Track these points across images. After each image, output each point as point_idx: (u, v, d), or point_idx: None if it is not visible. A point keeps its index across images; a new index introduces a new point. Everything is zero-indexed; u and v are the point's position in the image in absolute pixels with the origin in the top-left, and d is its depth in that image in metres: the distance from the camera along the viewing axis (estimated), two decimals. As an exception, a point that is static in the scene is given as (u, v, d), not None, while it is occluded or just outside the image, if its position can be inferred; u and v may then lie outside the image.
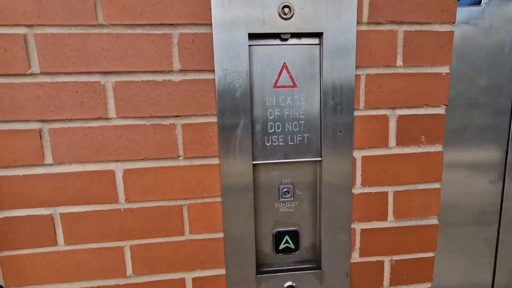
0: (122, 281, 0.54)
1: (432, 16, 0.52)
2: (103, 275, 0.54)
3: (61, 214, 0.51)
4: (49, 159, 0.49)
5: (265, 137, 0.54)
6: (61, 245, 0.52)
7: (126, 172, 0.51)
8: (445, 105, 0.55)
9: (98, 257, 0.53)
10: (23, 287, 0.52)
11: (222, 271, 0.56)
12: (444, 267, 1.13)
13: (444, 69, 0.54)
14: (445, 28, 0.53)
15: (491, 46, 1.00)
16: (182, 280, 0.56)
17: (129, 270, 0.54)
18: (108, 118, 0.49)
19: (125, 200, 0.52)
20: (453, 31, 0.53)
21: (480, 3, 0.97)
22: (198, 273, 0.56)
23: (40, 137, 0.48)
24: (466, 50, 0.99)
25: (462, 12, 0.97)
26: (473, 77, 1.01)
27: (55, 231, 0.51)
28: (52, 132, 0.48)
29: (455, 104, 1.02)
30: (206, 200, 0.54)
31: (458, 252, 1.12)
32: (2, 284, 0.51)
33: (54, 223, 0.51)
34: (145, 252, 0.54)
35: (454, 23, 0.53)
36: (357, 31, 0.51)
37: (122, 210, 0.52)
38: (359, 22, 0.51)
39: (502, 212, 1.11)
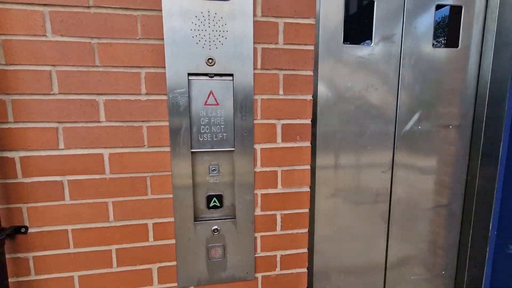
0: (107, 224, 0.86)
1: (299, 66, 0.89)
2: (94, 220, 0.85)
3: (68, 181, 0.82)
4: (61, 145, 0.80)
5: (199, 135, 0.87)
6: (67, 200, 0.82)
7: (111, 155, 0.83)
8: (309, 118, 0.92)
9: (91, 208, 0.84)
10: (41, 227, 0.82)
11: (171, 219, 0.89)
12: (355, 230, 1.51)
13: (308, 97, 0.91)
14: (307, 73, 0.90)
15: (380, 73, 1.40)
16: (145, 225, 0.88)
17: (111, 217, 0.86)
18: (100, 121, 0.81)
19: (109, 172, 0.84)
20: (312, 75, 0.90)
21: (371, 44, 1.37)
22: (156, 220, 0.88)
23: (57, 132, 0.79)
24: (362, 75, 1.38)
25: (359, 49, 1.36)
26: (367, 95, 1.40)
27: (63, 191, 0.82)
28: (65, 129, 0.79)
29: (356, 115, 1.41)
30: (162, 173, 0.87)
31: (364, 221, 1.51)
32: (28, 224, 0.81)
33: (63, 186, 0.82)
34: (122, 206, 0.86)
35: (312, 70, 0.89)
36: (254, 73, 0.86)
37: (107, 179, 0.84)
38: (255, 68, 0.86)
39: (392, 194, 1.52)
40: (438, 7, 1.42)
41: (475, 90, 1.50)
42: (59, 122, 0.79)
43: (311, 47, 0.89)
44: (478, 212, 1.55)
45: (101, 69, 0.78)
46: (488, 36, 1.43)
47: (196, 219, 0.91)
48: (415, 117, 1.48)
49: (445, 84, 1.47)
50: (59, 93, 0.77)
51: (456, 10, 1.44)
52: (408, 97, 1.45)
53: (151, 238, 0.89)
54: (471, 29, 1.45)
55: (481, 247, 1.58)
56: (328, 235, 1.48)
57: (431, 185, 1.56)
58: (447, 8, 1.43)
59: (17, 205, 0.80)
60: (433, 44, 1.44)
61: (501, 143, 1.49)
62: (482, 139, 1.48)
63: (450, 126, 1.52)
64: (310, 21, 0.87)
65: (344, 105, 1.39)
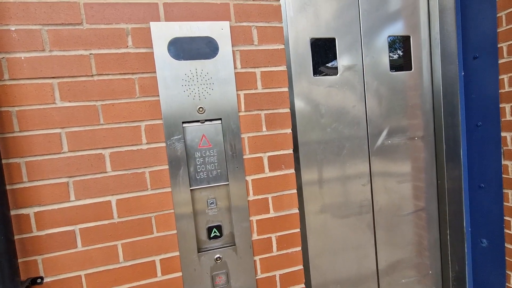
0: (117, 265, 0.93)
1: (277, 105, 1.03)
2: (105, 263, 0.92)
3: (80, 229, 0.89)
4: (72, 197, 0.88)
5: (196, 174, 0.99)
6: (80, 247, 0.90)
7: (118, 201, 0.92)
8: (291, 148, 1.06)
9: (102, 252, 0.91)
10: (56, 276, 0.88)
11: (177, 253, 0.98)
12: (345, 242, 1.62)
13: (288, 130, 1.05)
14: (285, 110, 1.04)
15: (349, 98, 1.59)
16: (153, 261, 0.96)
17: (121, 258, 0.93)
18: (106, 171, 0.91)
19: (117, 216, 0.92)
20: (289, 112, 1.04)
21: (337, 74, 1.56)
22: (162, 256, 0.96)
23: (67, 186, 0.88)
24: (334, 101, 1.56)
25: (328, 79, 1.55)
26: (341, 118, 1.58)
27: (76, 239, 0.89)
28: (75, 182, 0.88)
29: (333, 137, 1.57)
30: (165, 212, 0.96)
31: (352, 232, 1.63)
32: (43, 275, 0.87)
33: (75, 234, 0.89)
34: (130, 246, 0.94)
35: (288, 107, 1.04)
36: (240, 115, 1.00)
37: (116, 223, 0.92)
38: (240, 111, 1.00)
39: (373, 204, 1.66)
40: (390, 38, 1.65)
41: (432, 104, 1.72)
42: (69, 177, 0.88)
43: (285, 89, 1.04)
44: (452, 212, 1.72)
45: (105, 126, 0.89)
46: (435, 58, 1.67)
47: (199, 250, 1.00)
48: (384, 133, 1.67)
49: (406, 102, 1.67)
50: (69, 151, 0.87)
51: (406, 39, 1.68)
52: (375, 117, 1.64)
53: (159, 273, 0.96)
54: (420, 54, 1.69)
55: (460, 244, 1.74)
56: (321, 250, 1.58)
57: (407, 192, 1.72)
58: (400, 37, 1.66)
59: (33, 258, 0.86)
60: (390, 69, 1.66)
61: (461, 148, 1.70)
62: (444, 146, 1.68)
63: (416, 138, 1.72)
64: (282, 68, 1.03)
65: (321, 128, 1.55)
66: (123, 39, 0.89)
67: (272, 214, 1.06)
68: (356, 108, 1.60)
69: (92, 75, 0.88)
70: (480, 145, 1.63)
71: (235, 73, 0.99)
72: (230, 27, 0.98)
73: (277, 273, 1.07)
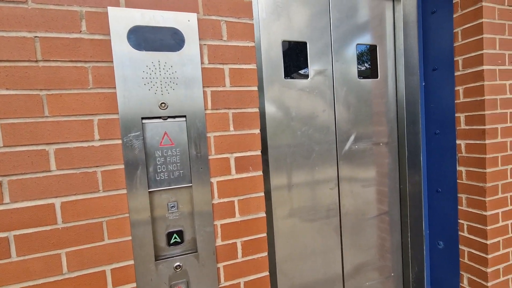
0: (60, 277, 0.82)
1: (246, 105, 1.00)
2: (45, 274, 0.80)
3: (15, 236, 0.77)
4: (7, 199, 0.76)
5: (156, 174, 0.91)
6: (14, 257, 0.78)
7: (63, 204, 0.81)
8: (259, 149, 1.02)
9: (41, 262, 0.80)
10: (-19, 292, 0.75)
11: (131, 262, 0.89)
12: (312, 246, 1.62)
13: (256, 131, 1.02)
14: (253, 110, 1.01)
15: (318, 102, 1.60)
16: (103, 272, 0.86)
17: (65, 269, 0.82)
18: (50, 170, 0.80)
19: (62, 221, 0.81)
20: (258, 112, 1.01)
21: (308, 78, 1.57)
22: (114, 265, 0.87)
23: (1, 186, 0.76)
24: (304, 105, 1.56)
25: (299, 83, 1.55)
26: (310, 122, 1.58)
27: (9, 247, 0.77)
28: (10, 182, 0.76)
29: (302, 140, 1.57)
30: (119, 216, 0.87)
31: (319, 236, 1.63)
32: None
33: (9, 242, 0.77)
34: (76, 255, 0.83)
35: (257, 107, 1.01)
36: (206, 113, 0.95)
37: (60, 228, 0.81)
38: (206, 109, 0.95)
39: (340, 207, 1.68)
40: (359, 46, 1.70)
41: (396, 112, 1.79)
42: (3, 176, 0.76)
43: (255, 88, 1.01)
44: (412, 215, 1.79)
45: (50, 119, 0.79)
46: (399, 68, 1.75)
47: (157, 258, 0.92)
48: (352, 138, 1.70)
49: (372, 108, 1.73)
50: (4, 146, 0.76)
51: (373, 48, 1.75)
52: (344, 122, 1.67)
53: (109, 285, 0.86)
54: (386, 64, 1.76)
55: (419, 246, 1.81)
56: (288, 255, 1.56)
57: (372, 196, 1.77)
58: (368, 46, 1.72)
59: (-49, 271, 0.73)
60: (358, 76, 1.70)
61: (421, 154, 1.79)
62: (406, 152, 1.76)
63: (381, 144, 1.78)
64: (252, 66, 1.00)
65: (290, 132, 1.54)
66: (76, 23, 0.80)
67: (238, 218, 1.01)
68: (326, 113, 1.62)
69: (36, 61, 0.77)
70: (438, 152, 1.73)
71: (202, 68, 0.94)
72: (198, 19, 0.93)
73: (242, 280, 1.02)
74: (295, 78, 1.56)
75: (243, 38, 0.98)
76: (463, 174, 1.58)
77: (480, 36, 1.43)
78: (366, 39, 1.71)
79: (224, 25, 0.96)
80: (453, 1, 1.56)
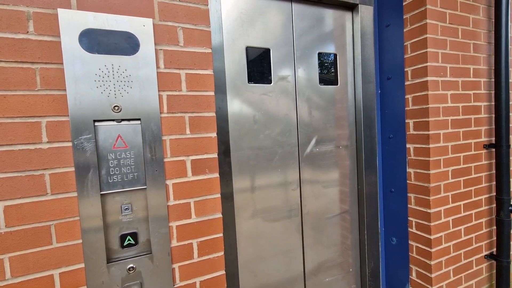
0: (2, 283, 0.79)
1: (202, 109, 1.03)
2: (-15, 282, 0.78)
3: (-50, 242, 0.74)
4: None
5: (109, 177, 0.91)
6: (-52, 265, 0.74)
7: (7, 208, 0.79)
8: (215, 152, 1.06)
9: (-19, 269, 0.77)
10: None
11: (82, 265, 0.88)
12: (275, 245, 1.68)
13: (213, 134, 1.05)
14: (210, 114, 1.04)
15: (281, 106, 1.67)
16: (51, 276, 0.85)
17: (8, 274, 0.80)
18: (-8, 174, 0.78)
19: (5, 226, 0.79)
20: (215, 116, 1.04)
21: (271, 83, 1.64)
22: (63, 269, 0.86)
23: None
24: (267, 109, 1.62)
25: (263, 88, 1.61)
26: (273, 125, 1.65)
27: None
28: None
29: (265, 143, 1.63)
30: (69, 219, 0.86)
31: (282, 236, 1.69)
32: None
33: None
34: (21, 260, 0.81)
35: (214, 112, 1.05)
36: (161, 117, 0.97)
37: (3, 233, 0.79)
38: (162, 112, 0.97)
39: (302, 208, 1.76)
40: (320, 54, 1.80)
41: (354, 117, 1.91)
42: None
43: (211, 93, 1.04)
44: (369, 214, 1.92)
45: (-7, 120, 0.77)
46: (357, 76, 1.86)
47: (109, 260, 0.92)
48: (313, 141, 1.79)
49: (332, 113, 1.83)
50: None
51: (333, 57, 1.85)
52: (305, 125, 1.75)
53: (58, 289, 0.85)
54: (346, 71, 1.87)
55: (375, 243, 1.94)
56: (251, 255, 1.60)
57: (332, 196, 1.87)
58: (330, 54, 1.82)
59: None
60: (319, 82, 1.80)
61: (377, 157, 1.92)
62: (363, 154, 1.88)
63: (340, 147, 1.88)
64: (208, 72, 1.03)
65: (254, 135, 1.59)
66: (22, 23, 0.79)
67: (194, 219, 1.03)
68: (288, 117, 1.69)
69: (-23, 61, 0.75)
70: (392, 154, 1.87)
71: (157, 72, 0.95)
72: (154, 25, 0.94)
73: (198, 280, 1.04)
74: (258, 83, 1.61)
75: (200, 45, 1.01)
76: (412, 175, 1.72)
77: (425, 50, 1.58)
78: (327, 48, 1.81)
79: (180, 31, 0.98)
80: (404, 17, 1.70)
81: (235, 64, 1.53)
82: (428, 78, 1.58)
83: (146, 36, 0.93)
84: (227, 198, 1.47)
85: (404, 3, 1.69)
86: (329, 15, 1.81)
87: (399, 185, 1.83)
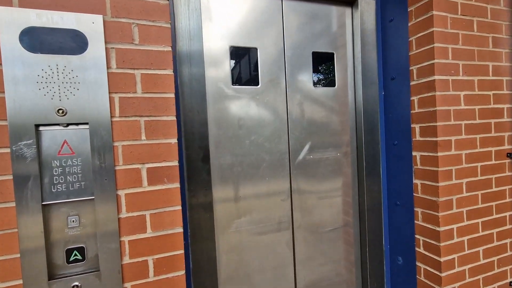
0: None
1: (160, 112, 0.94)
2: None
3: None
4: None
5: (52, 186, 0.84)
6: None
7: None
8: (176, 159, 0.96)
9: None
10: None
11: (19, 281, 0.81)
12: (261, 262, 1.54)
13: (173, 140, 0.96)
14: (170, 118, 0.95)
15: (270, 110, 1.55)
16: (-14, 292, 0.79)
17: None
18: None
19: None
20: (175, 120, 0.95)
21: (258, 85, 1.52)
22: (-2, 285, 0.80)
23: None
24: (253, 112, 1.51)
25: (249, 90, 1.50)
26: (261, 130, 1.52)
27: None
28: None
29: (251, 149, 1.51)
30: (5, 231, 0.80)
31: (269, 251, 1.55)
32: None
33: None
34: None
35: (174, 115, 0.95)
36: (113, 121, 0.89)
37: None
38: (114, 116, 0.89)
39: (293, 220, 1.61)
40: (314, 53, 1.66)
41: (355, 121, 1.74)
42: None
43: (171, 95, 0.95)
44: (371, 229, 1.72)
45: None
46: (358, 76, 1.70)
47: (52, 277, 0.85)
48: (306, 147, 1.64)
49: (329, 117, 1.67)
50: None
51: (330, 56, 1.70)
52: (297, 131, 1.61)
53: (-7, 307, 0.79)
54: (344, 72, 1.71)
55: (379, 262, 1.74)
56: (233, 272, 1.48)
57: (328, 208, 1.70)
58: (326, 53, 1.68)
59: None
60: (314, 84, 1.65)
61: (380, 165, 1.72)
62: (364, 162, 1.69)
63: (338, 153, 1.72)
64: (167, 71, 0.94)
65: (238, 140, 1.48)
66: (-42, 22, 0.75)
67: (149, 233, 0.94)
68: (278, 121, 1.56)
69: None
70: (397, 163, 1.67)
71: (108, 73, 0.88)
72: (105, 21, 0.87)
73: (154, 301, 0.94)
74: (244, 85, 1.51)
75: (158, 42, 0.93)
76: (419, 187, 1.52)
77: (431, 46, 1.39)
78: (323, 47, 1.67)
79: (135, 28, 0.90)
80: (408, 9, 1.52)
81: (216, 65, 1.44)
82: (436, 77, 1.38)
83: (96, 34, 0.86)
84: (206, 209, 1.37)
85: (408, -5, 1.51)
86: (325, 11, 1.67)
87: (405, 198, 1.62)
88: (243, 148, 1.49)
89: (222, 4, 1.44)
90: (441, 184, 1.40)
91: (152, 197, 0.94)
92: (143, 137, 0.92)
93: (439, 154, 1.39)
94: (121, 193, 0.90)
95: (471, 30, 1.47)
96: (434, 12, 1.38)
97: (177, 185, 0.97)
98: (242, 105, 1.49)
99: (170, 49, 0.94)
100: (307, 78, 1.63)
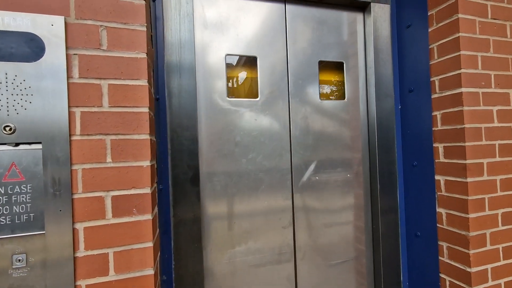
0: None
1: (131, 130, 0.79)
2: None
3: None
4: None
5: (-7, 218, 0.70)
6: None
7: None
8: (148, 186, 0.80)
9: None
10: None
11: None
12: (257, 304, 1.34)
13: (145, 163, 0.80)
14: (142, 137, 0.80)
15: (269, 126, 1.38)
16: None
17: None
18: None
19: None
20: (148, 139, 0.80)
21: (257, 97, 1.36)
22: None
23: None
24: (251, 129, 1.34)
25: (247, 103, 1.34)
26: (259, 148, 1.36)
27: None
28: None
29: (249, 168, 1.34)
30: None
31: (268, 284, 1.35)
32: None
33: None
34: None
35: (148, 133, 0.80)
36: (72, 140, 0.74)
37: None
38: (73, 134, 0.75)
39: (296, 251, 1.41)
40: (322, 63, 1.49)
41: (367, 138, 1.54)
42: None
43: (145, 109, 0.80)
44: (387, 262, 1.49)
45: None
46: (370, 88, 1.51)
47: (-13, 330, 0.69)
48: (311, 167, 1.45)
49: (337, 134, 1.49)
50: None
51: (339, 66, 1.53)
52: (301, 149, 1.43)
53: None
54: (356, 83, 1.54)
55: (396, 301, 1.50)
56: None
57: (337, 237, 1.49)
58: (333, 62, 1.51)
59: None
60: (320, 97, 1.48)
61: (397, 189, 1.51)
62: (378, 185, 1.48)
63: (349, 174, 1.52)
64: (142, 82, 0.80)
65: (234, 159, 1.31)
66: None
67: (112, 276, 0.77)
68: (279, 138, 1.39)
69: None
70: (417, 187, 1.45)
71: (69, 83, 0.74)
72: (67, 24, 0.75)
73: None
74: (241, 97, 1.35)
75: (130, 48, 0.79)
76: (444, 218, 1.29)
77: (457, 53, 1.20)
78: (332, 56, 1.50)
79: (104, 31, 0.77)
80: (428, 13, 1.34)
81: (211, 75, 1.30)
82: (463, 90, 1.19)
83: (55, 38, 0.73)
84: (194, 237, 1.19)
85: (428, -3, 1.34)
86: (334, 16, 1.51)
87: (427, 229, 1.40)
88: (239, 167, 1.32)
89: (218, 10, 1.31)
90: (471, 215, 1.17)
91: (118, 231, 0.78)
92: (109, 159, 0.77)
93: (469, 180, 1.18)
94: (79, 226, 0.75)
95: (503, 35, 1.27)
96: (460, 15, 1.19)
97: (148, 216, 0.81)
98: (239, 120, 1.33)
99: (145, 55, 0.80)
100: (312, 89, 1.46)
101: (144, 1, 0.81)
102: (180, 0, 1.19)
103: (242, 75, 1.37)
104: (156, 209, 0.90)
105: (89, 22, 0.76)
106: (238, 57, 1.35)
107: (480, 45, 1.23)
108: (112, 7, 0.78)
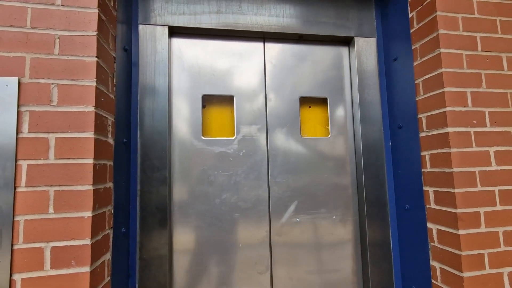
0: None
1: (74, 182, 0.81)
2: None
3: None
4: None
5: None
6: None
7: None
8: (88, 238, 0.80)
9: None
10: None
11: None
12: None
13: (86, 214, 0.81)
14: (85, 188, 0.81)
15: (246, 165, 1.35)
16: None
17: None
18: None
19: None
20: (91, 190, 0.81)
21: (233, 136, 1.35)
22: None
23: None
24: (225, 168, 1.32)
25: (222, 142, 1.34)
26: (235, 188, 1.32)
27: None
28: None
29: (223, 209, 1.30)
30: None
31: None
32: None
33: None
34: None
35: (91, 184, 0.82)
36: (16, 192, 0.78)
37: None
38: (18, 186, 0.78)
39: (273, 301, 1.31)
40: (303, 99, 1.46)
41: (355, 177, 1.44)
42: None
43: (89, 160, 0.82)
44: (381, 319, 1.32)
45: None
46: (356, 124, 1.44)
47: None
48: (291, 208, 1.38)
49: (321, 173, 1.41)
50: None
51: (322, 101, 1.48)
52: (281, 189, 1.37)
53: None
54: (341, 119, 1.47)
55: None
56: None
57: (321, 287, 1.35)
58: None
59: None
60: (302, 134, 1.43)
61: (390, 235, 1.37)
62: (367, 229, 1.36)
63: (334, 216, 1.41)
64: (88, 134, 0.83)
65: (206, 199, 1.29)
66: None
67: (45, 331, 0.76)
68: (256, 177, 1.35)
69: None
70: (409, 234, 1.30)
71: (18, 138, 0.79)
72: (22, 83, 0.81)
73: None
74: (216, 137, 1.35)
75: (79, 103, 0.83)
76: (438, 273, 1.13)
77: (441, 90, 1.10)
78: (314, 91, 1.46)
79: (55, 88, 0.82)
80: (412, 47, 1.27)
81: (185, 116, 1.32)
82: (449, 129, 1.08)
83: (8, 98, 0.79)
84: (160, 282, 1.16)
85: (411, 30, 1.27)
86: (317, 52, 1.49)
87: (422, 283, 1.23)
88: (212, 209, 1.29)
89: (195, 52, 1.36)
90: (466, 275, 1.01)
91: (55, 284, 0.78)
92: (51, 210, 0.79)
93: (461, 232, 1.03)
94: (17, 277, 0.76)
95: (499, 68, 1.15)
96: (442, 50, 1.11)
97: (86, 269, 0.80)
98: (213, 159, 1.32)
99: (92, 109, 0.84)
100: (293, 127, 1.42)
101: (96, 58, 0.86)
102: (155, 47, 1.26)
103: (218, 114, 1.38)
104: (104, 258, 0.89)
105: (42, 80, 0.82)
106: (214, 97, 1.37)
107: (469, 81, 1.12)
108: (64, 66, 0.84)
